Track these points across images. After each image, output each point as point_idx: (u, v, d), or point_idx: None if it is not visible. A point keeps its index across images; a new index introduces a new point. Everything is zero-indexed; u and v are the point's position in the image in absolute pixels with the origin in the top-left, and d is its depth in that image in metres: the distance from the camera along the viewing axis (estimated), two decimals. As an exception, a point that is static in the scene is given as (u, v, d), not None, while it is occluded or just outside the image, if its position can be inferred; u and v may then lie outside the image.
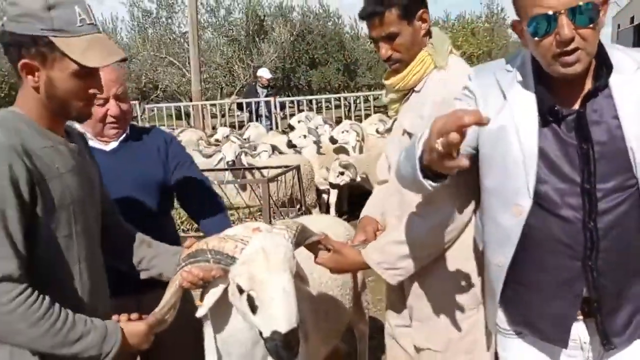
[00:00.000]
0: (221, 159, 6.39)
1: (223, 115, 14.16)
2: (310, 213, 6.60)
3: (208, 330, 1.89)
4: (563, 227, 1.56)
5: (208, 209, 2.30)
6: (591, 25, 1.43)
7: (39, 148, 1.51)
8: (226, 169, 6.00)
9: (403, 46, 2.04)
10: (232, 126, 12.31)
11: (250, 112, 12.48)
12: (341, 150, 7.34)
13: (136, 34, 21.06)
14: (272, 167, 6.15)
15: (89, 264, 1.63)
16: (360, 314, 3.12)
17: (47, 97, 1.53)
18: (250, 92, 13.08)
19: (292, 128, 8.57)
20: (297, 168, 6.02)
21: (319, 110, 12.90)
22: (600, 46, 1.52)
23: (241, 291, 1.63)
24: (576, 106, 1.53)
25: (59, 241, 1.53)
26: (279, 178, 5.62)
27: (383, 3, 1.99)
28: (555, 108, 1.53)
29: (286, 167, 6.04)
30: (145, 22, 21.02)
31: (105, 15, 24.58)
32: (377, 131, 8.03)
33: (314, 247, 2.00)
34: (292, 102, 14.04)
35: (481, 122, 1.19)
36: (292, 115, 12.15)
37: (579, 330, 1.65)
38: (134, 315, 1.66)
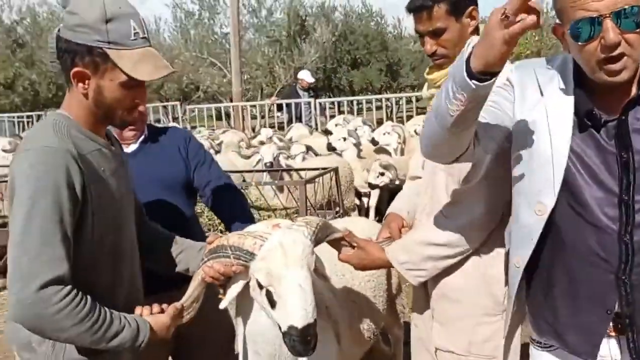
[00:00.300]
0: (259, 160, 6.28)
1: (263, 117, 14.14)
2: (349, 216, 6.42)
3: (239, 329, 1.97)
4: (598, 238, 1.49)
5: (230, 205, 2.33)
6: (638, 30, 1.35)
7: (88, 152, 1.60)
8: (264, 170, 5.92)
9: (449, 42, 1.99)
10: (271, 127, 12.23)
11: (290, 114, 12.37)
12: (382, 151, 7.20)
13: (178, 35, 21.36)
14: (310, 169, 6.00)
15: (128, 261, 1.75)
16: (395, 318, 3.14)
17: (95, 104, 1.61)
18: (291, 94, 12.99)
19: (329, 133, 8.40)
20: (335, 170, 5.84)
21: (359, 112, 12.70)
22: None
23: (261, 287, 1.68)
24: (618, 113, 1.46)
25: (102, 241, 1.62)
26: (317, 180, 5.45)
27: None
28: (594, 112, 1.46)
29: (324, 169, 5.86)
30: (187, 23, 21.33)
31: (147, 15, 24.79)
32: (416, 132, 7.83)
33: (337, 244, 2.01)
34: (332, 103, 13.85)
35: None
36: (332, 116, 12.00)
37: (610, 346, 1.58)
38: (156, 308, 1.72)
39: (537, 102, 1.55)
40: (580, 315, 1.57)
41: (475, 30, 2.02)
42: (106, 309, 1.57)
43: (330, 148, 7.34)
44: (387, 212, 2.32)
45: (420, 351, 2.24)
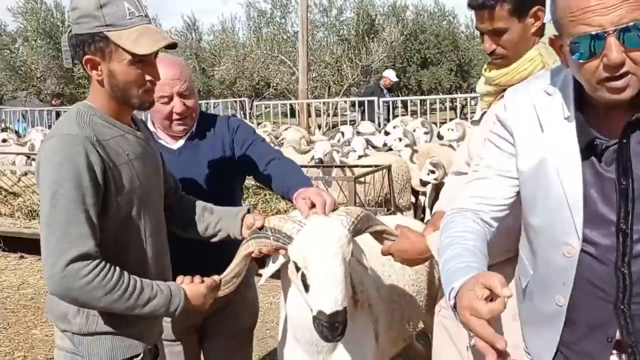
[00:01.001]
0: (312, 157, 6.42)
1: (328, 115, 14.29)
2: (402, 214, 6.43)
3: (282, 313, 2.05)
4: (594, 268, 1.41)
5: (288, 173, 2.22)
6: None
7: (110, 138, 1.69)
8: (315, 166, 5.99)
9: (509, 43, 1.93)
10: (342, 124, 12.30)
11: (363, 112, 12.44)
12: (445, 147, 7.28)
13: (251, 33, 21.88)
14: (362, 166, 6.06)
15: (154, 239, 1.82)
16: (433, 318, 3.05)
17: (111, 88, 1.69)
18: (375, 91, 12.99)
19: (387, 134, 8.44)
20: (388, 168, 5.87)
21: (432, 111, 12.56)
22: None
23: (298, 269, 1.74)
24: (618, 136, 1.34)
25: (128, 219, 1.72)
26: (366, 178, 5.50)
27: None
28: (595, 142, 1.36)
29: (377, 166, 5.91)
30: (260, 22, 21.78)
31: (226, 15, 25.53)
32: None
33: (379, 237, 2.02)
34: (402, 102, 13.80)
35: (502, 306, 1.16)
36: (396, 116, 11.97)
37: None
38: (197, 279, 1.81)
39: (539, 140, 1.44)
40: (584, 343, 1.49)
41: (539, 31, 1.94)
42: (137, 278, 1.66)
43: (388, 149, 7.43)
44: (434, 210, 2.28)
45: (445, 341, 2.21)
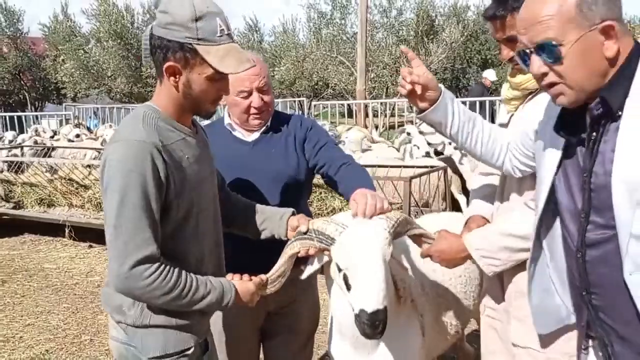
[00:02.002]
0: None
1: (393, 115, 14.20)
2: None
3: (331, 310, 2.15)
4: (566, 251, 1.57)
5: (353, 177, 2.27)
6: (558, 62, 1.39)
7: (173, 141, 1.74)
8: (371, 165, 6.03)
9: None
10: (399, 125, 12.18)
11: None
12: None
13: (311, 34, 22.10)
14: (418, 167, 6.06)
15: (209, 237, 1.89)
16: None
17: (184, 96, 1.73)
18: (483, 92, 12.68)
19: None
20: (444, 169, 5.86)
21: (493, 113, 12.29)
22: (629, 69, 1.39)
23: (340, 269, 1.83)
24: (585, 133, 1.48)
25: (187, 219, 1.77)
26: (420, 178, 5.51)
27: (506, 7, 1.95)
28: (560, 133, 1.53)
29: (432, 167, 5.91)
30: (319, 23, 21.97)
31: (287, 16, 25.84)
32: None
33: (418, 240, 2.08)
34: (462, 102, 13.53)
35: None
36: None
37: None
38: (246, 276, 1.89)
39: (545, 132, 1.64)
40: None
41: None
42: (193, 276, 1.73)
43: (437, 152, 7.36)
44: (467, 214, 2.32)
45: (494, 341, 2.24)
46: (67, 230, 7.20)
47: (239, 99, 2.29)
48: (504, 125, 2.23)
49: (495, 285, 2.21)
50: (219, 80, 1.72)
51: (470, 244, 2.01)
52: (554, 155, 1.57)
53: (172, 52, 1.66)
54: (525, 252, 1.91)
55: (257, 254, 2.06)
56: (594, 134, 1.44)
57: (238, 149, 2.39)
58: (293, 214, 2.11)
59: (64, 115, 17.55)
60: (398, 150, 8.16)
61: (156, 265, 1.64)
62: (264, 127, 2.40)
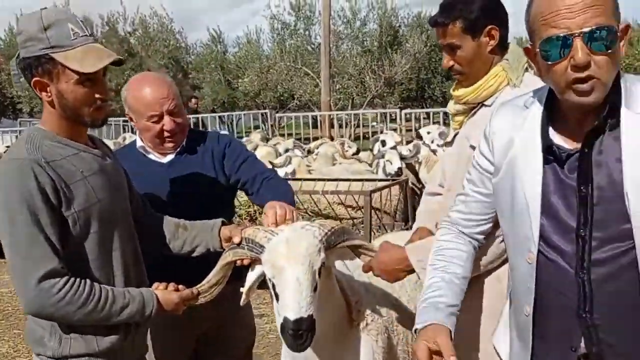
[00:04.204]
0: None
1: (358, 126, 14.24)
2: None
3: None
4: (558, 275, 1.46)
5: (274, 191, 2.27)
6: (608, 52, 1.31)
7: (62, 157, 1.72)
8: (331, 179, 5.94)
9: (464, 59, 2.01)
10: (365, 137, 12.20)
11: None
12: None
13: (275, 45, 22.05)
14: (379, 180, 5.99)
15: (122, 252, 1.84)
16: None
17: (61, 108, 1.72)
18: None
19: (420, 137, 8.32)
20: (405, 182, 5.80)
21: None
22: (618, 79, 1.39)
23: (270, 279, 1.78)
24: (579, 144, 1.42)
25: (91, 234, 1.74)
26: (381, 192, 5.44)
27: (449, 15, 1.98)
28: (553, 148, 1.44)
29: (393, 179, 5.84)
30: (284, 34, 21.96)
31: (251, 27, 25.89)
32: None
33: (358, 252, 2.02)
34: (427, 113, 13.70)
35: None
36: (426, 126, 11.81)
37: None
38: (171, 286, 1.88)
39: (512, 151, 1.53)
40: (551, 353, 1.54)
41: (499, 49, 2.00)
42: (108, 287, 1.72)
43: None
44: (414, 227, 2.29)
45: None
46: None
47: (150, 123, 2.24)
48: (449, 144, 2.23)
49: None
50: (90, 82, 1.71)
51: (413, 255, 1.96)
52: (533, 178, 1.47)
53: (34, 68, 1.67)
54: (474, 267, 1.87)
55: (194, 267, 2.02)
56: (586, 149, 1.39)
57: (153, 172, 2.34)
58: (223, 223, 2.09)
59: (19, 131, 17.07)
60: (370, 165, 8.06)
61: (64, 279, 1.62)
62: (179, 148, 2.36)
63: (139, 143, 2.38)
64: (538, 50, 1.38)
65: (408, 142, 8.68)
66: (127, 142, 9.38)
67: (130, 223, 1.94)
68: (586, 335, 1.45)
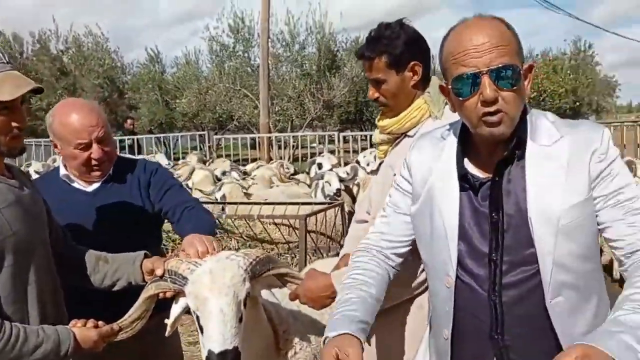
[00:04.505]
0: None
1: (297, 147, 14.30)
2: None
3: None
4: (473, 298, 1.52)
5: (195, 224, 2.23)
6: (514, 88, 1.41)
7: None
8: (265, 203, 5.92)
9: (388, 92, 2.08)
10: (303, 158, 12.24)
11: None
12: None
13: (214, 66, 21.95)
14: (315, 203, 6.02)
15: (38, 285, 1.76)
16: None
17: None
18: None
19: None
20: (341, 205, 5.84)
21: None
22: (525, 113, 1.49)
23: (194, 312, 1.73)
24: (491, 174, 1.50)
25: (5, 268, 1.66)
26: (317, 216, 5.46)
27: (375, 49, 2.04)
28: (468, 177, 1.52)
29: (330, 203, 5.88)
30: (223, 56, 21.90)
31: (190, 48, 25.73)
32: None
33: (284, 280, 2.01)
34: (364, 136, 13.94)
35: None
36: (364, 149, 12.04)
37: None
38: (90, 322, 1.80)
39: (430, 180, 1.60)
40: None
41: (422, 83, 2.08)
42: (20, 325, 1.63)
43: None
44: (341, 253, 2.32)
45: None
46: None
47: (77, 151, 2.17)
48: (374, 172, 2.25)
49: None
50: (7, 111, 1.67)
51: (337, 281, 1.94)
52: (450, 205, 1.53)
53: None
54: (396, 293, 1.93)
55: (118, 299, 1.96)
56: (496, 177, 1.48)
57: (78, 201, 2.27)
58: (146, 256, 2.03)
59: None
60: (310, 186, 8.11)
61: None
62: (106, 176, 2.31)
63: (63, 171, 2.31)
64: (451, 87, 1.47)
65: (346, 164, 8.84)
66: (57, 163, 9.09)
67: (49, 254, 1.87)
68: (498, 356, 1.51)
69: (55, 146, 2.24)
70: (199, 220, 2.22)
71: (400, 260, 1.76)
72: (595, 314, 1.49)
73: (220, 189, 6.77)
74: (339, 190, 6.24)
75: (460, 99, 1.44)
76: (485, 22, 1.44)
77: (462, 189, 1.53)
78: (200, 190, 6.49)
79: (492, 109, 1.41)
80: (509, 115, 1.42)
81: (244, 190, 7.20)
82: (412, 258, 1.79)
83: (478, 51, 1.40)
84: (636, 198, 1.43)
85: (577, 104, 28.32)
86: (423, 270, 1.87)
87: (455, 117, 1.90)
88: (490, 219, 1.48)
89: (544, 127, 1.50)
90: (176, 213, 2.30)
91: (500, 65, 1.39)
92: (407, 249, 1.74)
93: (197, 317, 1.73)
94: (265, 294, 2.12)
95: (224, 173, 8.38)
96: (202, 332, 1.72)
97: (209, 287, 1.70)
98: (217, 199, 6.44)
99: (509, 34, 1.43)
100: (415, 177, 1.64)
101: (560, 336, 1.44)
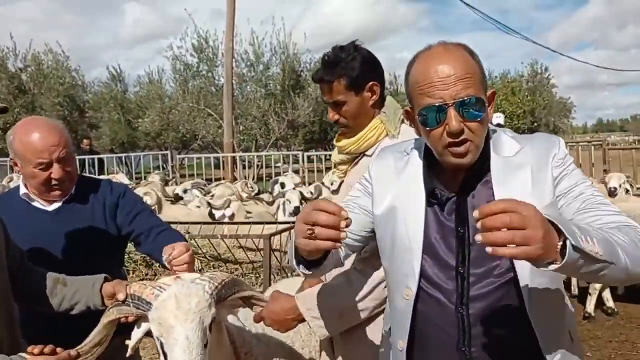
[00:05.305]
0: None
1: (262, 167, 14.25)
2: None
3: None
4: (439, 311, 1.53)
5: (165, 242, 2.19)
6: (478, 120, 1.43)
7: None
8: (229, 223, 5.87)
9: (349, 113, 2.09)
10: (268, 177, 12.21)
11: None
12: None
13: (177, 85, 21.80)
14: (280, 222, 5.98)
15: None
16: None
17: None
18: None
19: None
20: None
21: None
22: (487, 132, 1.52)
23: (157, 338, 1.68)
24: (456, 189, 1.53)
25: None
26: (282, 235, 5.42)
27: (333, 72, 2.04)
28: (435, 192, 1.54)
29: (294, 222, 5.85)
30: (186, 75, 21.77)
31: (153, 67, 25.53)
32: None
33: (250, 303, 1.97)
34: (328, 156, 14.00)
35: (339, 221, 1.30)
36: (328, 168, 12.09)
37: None
38: (48, 348, 1.70)
39: (393, 192, 1.61)
40: None
41: (379, 102, 2.11)
42: None
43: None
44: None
45: None
46: None
47: (37, 170, 2.13)
48: (335, 192, 2.26)
49: (328, 351, 2.15)
50: None
51: (301, 303, 1.97)
52: (415, 219, 1.54)
53: None
54: (352, 319, 1.97)
55: (79, 323, 1.88)
56: (462, 193, 1.51)
57: (38, 220, 2.22)
58: (106, 279, 1.97)
59: None
60: (271, 204, 8.07)
61: None
62: (67, 196, 2.27)
63: (23, 190, 2.26)
64: (417, 116, 1.48)
65: (310, 184, 8.84)
66: (12, 183, 8.81)
67: (5, 280, 1.80)
68: None
69: (15, 164, 2.20)
70: (175, 239, 2.20)
71: (351, 254, 1.74)
72: (567, 315, 1.55)
73: (229, 205, 6.70)
74: (297, 208, 6.20)
75: (427, 128, 1.46)
76: (450, 52, 1.45)
77: (429, 204, 1.54)
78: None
79: (457, 139, 1.43)
80: (475, 143, 1.45)
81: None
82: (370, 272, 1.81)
83: (444, 83, 1.41)
84: (592, 189, 1.49)
85: (535, 124, 29.19)
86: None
87: (412, 134, 1.92)
88: (456, 233, 1.50)
89: (505, 140, 1.55)
90: (150, 235, 2.28)
91: (466, 98, 1.41)
92: (359, 244, 1.71)
93: (161, 343, 1.67)
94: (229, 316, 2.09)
95: (185, 190, 8.27)
96: (165, 358, 1.66)
97: (174, 313, 1.65)
98: (225, 215, 6.36)
99: (472, 64, 1.45)
100: (378, 184, 1.66)
101: (540, 341, 1.46)
